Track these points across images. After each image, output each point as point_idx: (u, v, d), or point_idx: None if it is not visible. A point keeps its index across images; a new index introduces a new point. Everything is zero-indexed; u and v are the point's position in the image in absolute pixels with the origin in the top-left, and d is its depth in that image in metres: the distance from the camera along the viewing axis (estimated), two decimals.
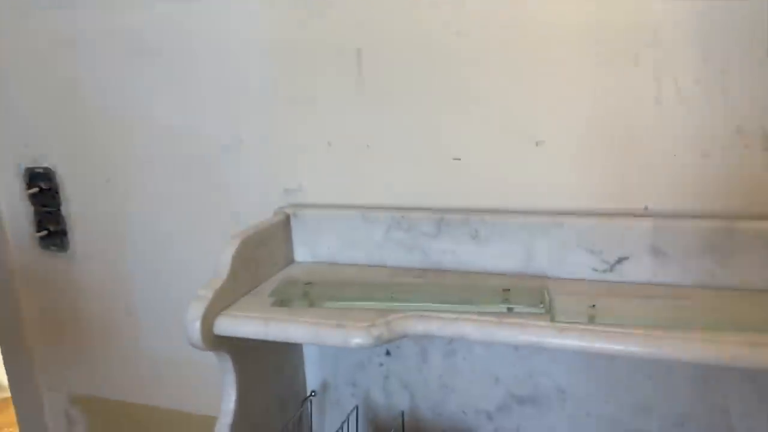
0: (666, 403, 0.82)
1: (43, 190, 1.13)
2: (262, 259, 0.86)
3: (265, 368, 0.88)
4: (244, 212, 1.00)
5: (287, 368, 0.93)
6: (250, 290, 0.83)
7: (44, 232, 1.15)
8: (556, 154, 0.82)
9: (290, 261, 0.93)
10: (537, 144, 0.82)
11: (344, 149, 0.92)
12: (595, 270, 0.79)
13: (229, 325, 0.76)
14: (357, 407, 0.93)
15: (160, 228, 1.07)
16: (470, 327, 0.70)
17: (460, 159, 0.86)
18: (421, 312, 0.73)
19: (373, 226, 0.89)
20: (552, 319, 0.69)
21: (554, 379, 0.86)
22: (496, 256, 0.83)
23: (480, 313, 0.71)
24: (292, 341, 0.74)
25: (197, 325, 0.74)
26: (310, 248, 0.93)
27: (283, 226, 0.91)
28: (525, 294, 0.74)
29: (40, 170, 1.13)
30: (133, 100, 1.03)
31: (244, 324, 0.75)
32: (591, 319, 0.69)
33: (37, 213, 1.16)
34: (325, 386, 0.98)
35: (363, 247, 0.90)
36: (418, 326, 0.72)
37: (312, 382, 0.98)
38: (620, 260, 0.78)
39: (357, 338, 0.70)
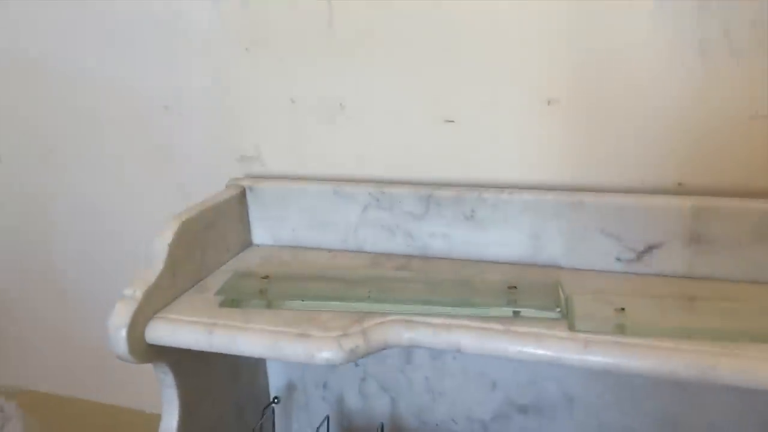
0: (696, 416, 0.69)
1: None
2: (210, 243, 0.70)
3: (217, 375, 0.73)
4: (192, 184, 0.83)
5: (245, 372, 0.78)
6: (193, 284, 0.67)
7: None
8: (572, 116, 0.66)
9: (246, 245, 0.77)
10: (549, 103, 0.66)
11: (312, 108, 0.75)
12: (619, 260, 0.65)
13: (165, 332, 0.60)
14: (328, 417, 0.79)
15: (92, 202, 0.90)
16: (469, 337, 0.55)
17: (453, 121, 0.70)
18: (407, 316, 0.58)
19: (347, 204, 0.73)
20: (571, 327, 0.55)
21: (562, 385, 0.73)
22: (497, 242, 0.68)
23: (481, 318, 0.57)
24: (243, 354, 0.58)
25: (123, 333, 0.58)
26: (270, 229, 0.77)
27: (237, 202, 0.75)
28: (536, 292, 0.60)
29: None
30: (53, 47, 0.84)
31: (182, 332, 0.59)
32: (620, 329, 0.54)
33: None
34: (290, 390, 0.83)
35: (335, 228, 0.74)
36: (403, 335, 0.57)
37: (275, 385, 0.83)
38: (650, 248, 0.64)
39: (325, 352, 0.55)
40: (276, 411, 0.81)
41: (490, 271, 0.67)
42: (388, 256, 0.72)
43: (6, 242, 0.98)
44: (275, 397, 0.79)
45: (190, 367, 0.67)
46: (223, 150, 0.80)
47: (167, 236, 0.63)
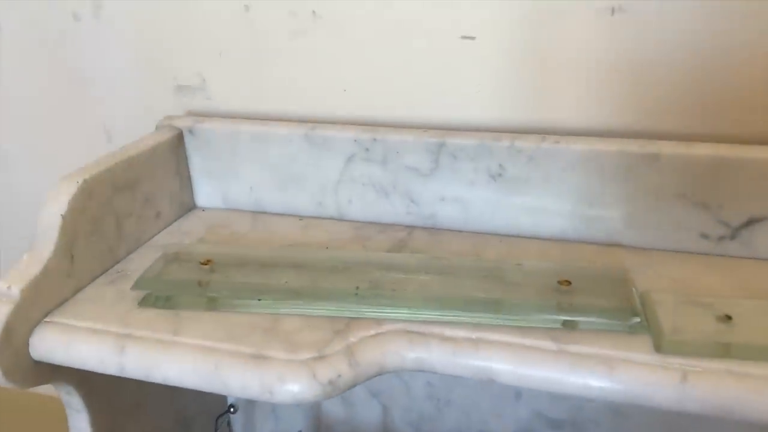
0: None
1: None
2: (130, 210, 0.50)
3: (147, 386, 0.54)
4: (117, 122, 0.62)
5: None
6: (104, 270, 0.48)
7: None
8: (640, 27, 0.46)
9: (186, 208, 0.57)
10: (613, 12, 0.46)
11: (271, 16, 0.53)
12: (706, 237, 0.46)
13: (56, 346, 0.41)
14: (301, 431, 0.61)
15: None
16: (506, 360, 0.37)
17: (473, 38, 0.49)
18: (412, 324, 0.39)
19: (324, 153, 0.53)
20: (659, 348, 0.37)
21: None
22: (534, 210, 0.49)
23: (522, 330, 0.38)
24: (167, 384, 0.39)
25: None
26: (219, 187, 0.57)
27: (172, 149, 0.54)
28: (598, 289, 0.41)
29: None
30: None
31: (79, 347, 0.40)
32: (727, 350, 0.36)
33: None
34: None
35: (308, 186, 0.54)
36: (406, 355, 0.38)
37: None
38: (749, 223, 0.45)
39: (291, 384, 0.37)
40: (234, 422, 0.63)
41: (524, 251, 0.48)
42: (380, 226, 0.53)
43: None
44: (231, 405, 0.61)
45: (105, 380, 0.48)
46: (155, 76, 0.59)
47: (60, 203, 0.43)
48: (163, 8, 0.56)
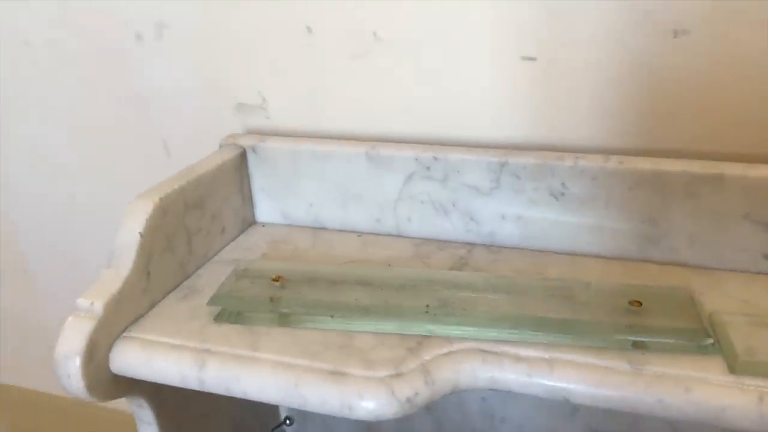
0: None
1: None
2: (199, 227, 0.51)
3: (210, 399, 0.55)
4: (177, 139, 0.64)
5: None
6: (176, 285, 0.49)
7: None
8: (704, 49, 0.46)
9: (247, 224, 0.59)
10: (676, 34, 0.46)
11: (334, 39, 0.55)
12: None
13: (137, 360, 0.42)
14: None
15: (51, 156, 0.71)
16: (581, 380, 0.38)
17: (535, 59, 0.50)
18: (483, 343, 0.40)
19: (385, 171, 0.54)
20: (733, 369, 0.37)
21: None
22: (596, 228, 0.49)
23: (594, 351, 0.39)
24: (248, 398, 0.40)
25: (76, 364, 0.40)
26: (279, 203, 0.58)
27: (235, 167, 0.56)
28: (667, 310, 0.42)
29: None
30: None
31: (161, 361, 0.41)
32: None
33: None
34: None
35: (367, 203, 0.55)
36: (479, 374, 0.39)
37: None
38: None
39: (369, 401, 0.38)
40: None
41: (586, 270, 0.48)
42: (439, 244, 0.54)
43: None
44: (287, 417, 0.62)
45: (174, 394, 0.49)
46: (215, 95, 0.61)
47: (138, 221, 0.44)
48: (225, 29, 0.58)
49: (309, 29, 0.55)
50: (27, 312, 0.83)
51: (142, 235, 0.44)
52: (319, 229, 0.58)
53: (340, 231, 0.57)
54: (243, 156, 0.57)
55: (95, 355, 0.41)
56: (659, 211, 0.47)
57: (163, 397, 0.48)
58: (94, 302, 0.42)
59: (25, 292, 0.81)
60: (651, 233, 0.48)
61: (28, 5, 0.64)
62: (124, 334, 0.43)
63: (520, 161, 0.49)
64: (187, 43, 0.60)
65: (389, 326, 0.42)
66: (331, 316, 0.43)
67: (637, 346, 0.39)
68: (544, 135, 0.51)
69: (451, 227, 0.53)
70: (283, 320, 0.44)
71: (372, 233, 0.56)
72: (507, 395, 0.59)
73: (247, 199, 0.58)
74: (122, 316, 0.43)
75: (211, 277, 0.50)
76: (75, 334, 0.41)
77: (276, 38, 0.56)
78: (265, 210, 0.59)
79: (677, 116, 0.48)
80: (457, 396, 0.61)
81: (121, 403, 0.79)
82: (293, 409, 0.66)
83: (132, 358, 0.42)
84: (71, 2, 0.62)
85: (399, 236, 0.56)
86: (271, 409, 0.65)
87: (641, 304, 0.41)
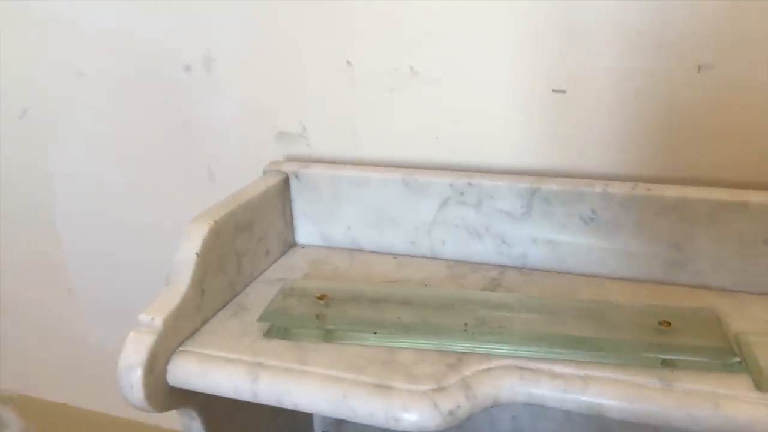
0: None
1: None
2: (247, 249, 0.54)
3: (256, 411, 0.58)
4: (219, 166, 0.67)
5: None
6: (226, 303, 0.52)
7: None
8: (728, 83, 0.49)
9: (288, 245, 0.62)
10: (700, 69, 0.49)
11: (372, 72, 0.58)
12: None
13: (193, 373, 0.45)
14: None
15: (99, 181, 0.74)
16: (615, 396, 0.40)
17: (564, 91, 0.53)
18: (519, 360, 0.43)
19: (420, 196, 0.57)
20: (759, 386, 0.39)
21: None
22: (625, 252, 0.52)
23: (625, 368, 0.41)
24: (298, 409, 0.43)
25: (138, 374, 0.43)
26: (319, 226, 0.61)
27: (279, 192, 0.59)
28: (694, 330, 0.44)
29: None
30: None
31: (216, 374, 0.44)
32: None
33: None
34: (341, 425, 0.69)
35: (403, 227, 0.58)
36: (517, 389, 0.41)
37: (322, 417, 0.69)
38: None
39: (413, 413, 0.40)
40: None
41: (615, 292, 0.51)
42: (472, 266, 0.57)
43: (4, 232, 0.83)
44: None
45: (222, 406, 0.52)
46: (258, 124, 0.64)
47: (195, 243, 0.48)
48: (270, 62, 0.61)
49: (349, 63, 0.59)
50: (70, 330, 0.86)
51: (198, 255, 0.47)
52: (356, 251, 0.61)
53: (376, 253, 0.60)
54: (286, 182, 0.60)
55: (155, 367, 0.44)
56: (685, 236, 0.50)
57: (212, 410, 0.51)
58: (154, 317, 0.45)
59: (68, 310, 0.85)
60: (677, 257, 0.50)
61: (83, 37, 0.68)
62: (180, 348, 0.46)
63: (551, 187, 0.52)
64: (233, 75, 0.63)
65: (430, 343, 0.45)
66: (374, 333, 0.46)
67: (666, 364, 0.42)
68: (573, 163, 0.54)
69: (483, 250, 0.56)
70: (328, 336, 0.46)
71: (407, 255, 0.59)
72: (537, 414, 0.61)
73: (289, 222, 0.61)
74: (179, 332, 0.46)
75: (258, 296, 0.52)
76: (137, 348, 0.44)
77: (317, 71, 0.60)
78: (306, 232, 0.62)
79: (702, 146, 0.51)
80: (487, 414, 0.63)
81: (159, 419, 0.81)
82: (328, 423, 0.68)
83: (189, 371, 0.45)
84: (124, 35, 0.66)
85: (433, 258, 0.58)
86: (306, 423, 0.67)
87: (670, 324, 0.44)
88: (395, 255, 0.59)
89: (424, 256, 0.59)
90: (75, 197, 0.76)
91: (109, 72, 0.68)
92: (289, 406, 0.43)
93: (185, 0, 0.62)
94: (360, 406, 0.41)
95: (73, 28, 0.68)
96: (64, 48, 0.70)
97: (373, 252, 0.60)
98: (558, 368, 0.42)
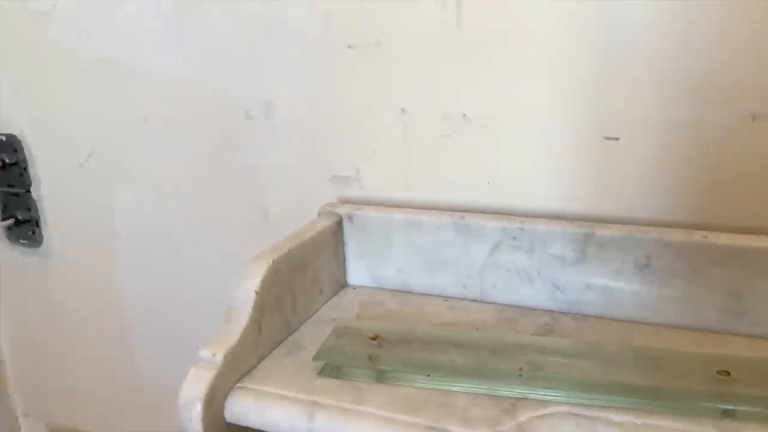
0: None
1: (7, 164, 0.84)
2: (302, 287, 0.56)
3: None
4: (275, 207, 0.70)
5: None
6: (281, 341, 0.53)
7: (11, 221, 0.86)
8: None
9: (340, 286, 0.63)
10: (754, 119, 0.49)
11: (426, 119, 0.60)
12: None
13: (251, 409, 0.46)
14: None
15: (158, 222, 0.78)
16: None
17: (617, 139, 0.54)
18: (575, 407, 0.42)
19: (471, 240, 0.58)
20: None
21: None
22: (681, 300, 0.51)
23: (684, 418, 0.40)
24: None
25: (197, 409, 0.45)
26: (370, 267, 0.62)
27: (333, 234, 0.61)
28: (753, 379, 0.43)
29: (3, 138, 0.83)
30: (123, 41, 0.72)
31: (273, 411, 0.45)
32: None
33: (2, 196, 0.87)
34: None
35: (455, 270, 0.59)
36: None
37: None
38: None
39: None
40: None
41: (671, 340, 0.50)
42: (523, 310, 0.57)
43: (65, 265, 0.87)
44: None
45: None
46: (313, 168, 0.66)
47: (255, 281, 0.49)
48: (326, 108, 0.64)
49: (403, 110, 0.61)
50: (124, 367, 0.88)
51: (257, 293, 0.49)
52: (407, 293, 0.61)
53: (427, 295, 0.61)
54: (339, 223, 0.61)
55: (213, 402, 0.46)
56: (742, 284, 0.49)
57: None
58: (215, 353, 0.46)
59: (122, 347, 0.87)
60: (735, 306, 0.50)
61: (150, 84, 0.72)
62: (238, 385, 0.47)
63: (605, 233, 0.52)
64: (291, 121, 0.66)
65: (483, 387, 0.45)
66: (428, 375, 0.46)
67: (726, 414, 0.41)
68: (625, 209, 0.54)
69: (535, 295, 0.56)
70: (381, 377, 0.47)
71: (457, 298, 0.60)
72: None
73: (342, 263, 0.62)
74: (237, 368, 0.48)
75: (312, 335, 0.54)
76: (197, 383, 0.45)
77: (372, 117, 0.62)
78: (358, 273, 0.63)
79: (759, 194, 0.50)
80: None
81: None
82: None
83: (246, 408, 0.46)
84: (189, 83, 0.70)
85: (484, 302, 0.59)
86: None
87: (729, 373, 0.43)
88: (446, 297, 0.60)
89: (474, 300, 0.59)
90: (135, 237, 0.79)
91: (174, 118, 0.72)
92: None
93: (248, 49, 0.65)
94: None
95: (140, 75, 0.72)
96: (131, 94, 0.74)
97: (423, 294, 0.61)
98: (615, 416, 0.41)
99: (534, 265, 0.56)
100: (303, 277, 0.56)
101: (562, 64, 0.54)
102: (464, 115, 0.58)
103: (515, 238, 0.56)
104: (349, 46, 0.61)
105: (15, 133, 0.83)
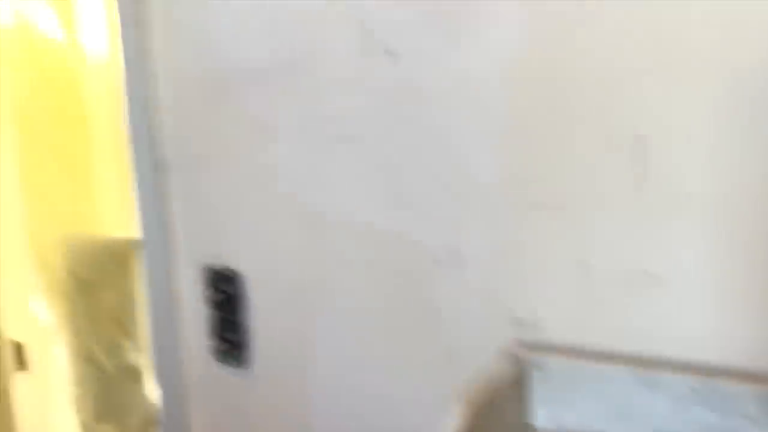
0: None
1: (227, 294, 0.99)
2: (491, 428, 0.60)
3: None
4: (460, 348, 0.76)
5: None
6: None
7: (224, 344, 1.00)
8: None
9: (523, 429, 0.67)
10: None
11: (607, 275, 0.65)
12: None
13: None
14: None
15: (352, 352, 0.87)
16: None
17: None
18: None
19: (655, 394, 0.60)
20: None
21: None
22: None
23: None
24: None
25: None
26: (553, 413, 0.66)
27: (517, 378, 0.66)
28: None
29: (225, 271, 0.99)
30: (332, 194, 0.85)
31: None
32: None
33: (217, 320, 1.02)
34: None
35: (638, 421, 0.61)
36: None
37: None
38: None
39: None
40: None
41: None
42: None
43: (266, 391, 0.98)
44: None
45: None
46: (496, 312, 0.73)
47: (456, 423, 0.55)
48: (509, 255, 0.71)
49: (584, 263, 0.66)
50: None
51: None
52: None
53: None
54: (521, 367, 0.66)
55: None
56: None
57: None
58: None
59: None
60: None
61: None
62: None
63: None
64: (475, 266, 0.74)
65: None
66: None
67: None
68: None
69: None
70: None
71: None
72: None
73: (524, 407, 0.66)
74: None
75: None
76: None
77: (554, 266, 0.68)
78: (541, 418, 0.66)
79: None
80: None
81: None
82: None
83: None
84: (384, 235, 0.80)
85: None
86: None
87: None
88: None
89: None
90: (330, 367, 0.89)
91: (373, 262, 0.82)
92: None
93: (431, 198, 0.75)
94: None
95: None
96: (333, 239, 0.86)
97: None
98: None
99: (722, 422, 0.56)
100: (491, 416, 0.60)
101: (735, 224, 0.57)
102: (645, 271, 0.62)
103: (701, 393, 0.57)
104: (532, 204, 0.68)
105: (236, 268, 0.98)
